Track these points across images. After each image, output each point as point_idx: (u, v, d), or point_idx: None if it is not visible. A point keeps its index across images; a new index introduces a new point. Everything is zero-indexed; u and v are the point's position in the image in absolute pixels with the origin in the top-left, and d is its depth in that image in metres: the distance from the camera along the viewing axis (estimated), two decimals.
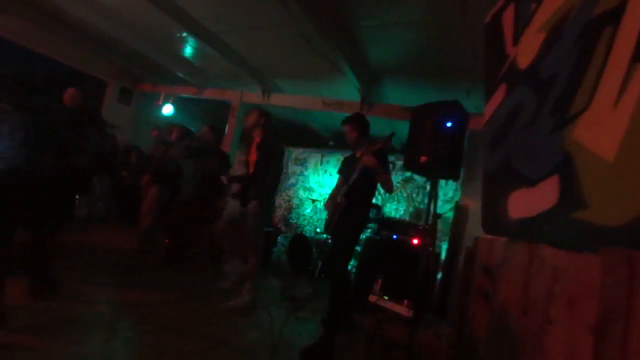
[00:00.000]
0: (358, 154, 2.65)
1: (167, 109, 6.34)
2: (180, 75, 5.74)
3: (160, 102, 6.39)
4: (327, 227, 2.70)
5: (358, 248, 4.44)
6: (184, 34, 4.33)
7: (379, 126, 5.02)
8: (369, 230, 4.46)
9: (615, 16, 1.03)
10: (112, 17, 4.33)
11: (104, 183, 5.91)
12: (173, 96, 6.45)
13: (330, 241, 3.79)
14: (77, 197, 5.89)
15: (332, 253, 2.62)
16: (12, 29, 5.11)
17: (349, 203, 2.51)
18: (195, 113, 7.20)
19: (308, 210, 6.47)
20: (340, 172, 2.85)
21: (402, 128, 2.97)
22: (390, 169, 2.74)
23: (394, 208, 5.97)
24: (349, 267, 4.68)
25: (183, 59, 5.27)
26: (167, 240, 4.37)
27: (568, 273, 1.02)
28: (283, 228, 6.44)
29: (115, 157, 6.02)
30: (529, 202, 1.34)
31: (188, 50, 4.93)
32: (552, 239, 1.17)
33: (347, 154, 2.94)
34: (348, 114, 2.83)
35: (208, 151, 3.98)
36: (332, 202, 2.70)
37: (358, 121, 2.68)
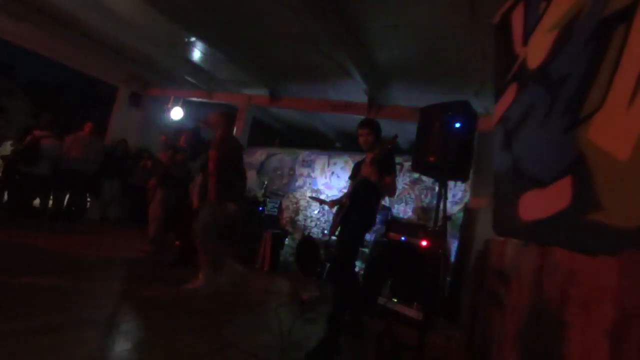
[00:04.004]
0: (369, 158, 2.65)
1: (177, 113, 6.41)
2: (189, 79, 5.81)
3: (169, 106, 6.48)
4: (333, 229, 2.71)
5: (365, 250, 4.42)
6: (193, 39, 4.39)
7: (385, 128, 4.99)
8: (377, 232, 4.44)
9: (627, 15, 1.01)
10: (122, 24, 4.41)
11: (115, 186, 6.00)
12: (182, 100, 6.52)
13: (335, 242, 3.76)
14: (89, 199, 6.01)
15: (336, 254, 2.59)
16: (26, 37, 5.25)
17: (353, 204, 2.52)
18: (203, 116, 7.28)
19: (315, 212, 6.47)
20: (351, 177, 2.85)
21: (410, 129, 2.96)
22: (397, 170, 2.72)
23: (402, 209, 5.93)
24: (356, 269, 4.67)
25: (192, 64, 5.34)
26: (177, 243, 4.42)
27: (583, 276, 1.00)
28: (290, 230, 6.45)
29: (126, 161, 6.12)
30: (541, 203, 1.31)
31: (197, 55, 4.99)
32: (565, 241, 1.15)
33: (354, 155, 2.93)
34: (355, 116, 2.83)
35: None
36: (339, 202, 2.72)
37: (375, 125, 2.74)
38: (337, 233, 2.67)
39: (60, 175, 5.22)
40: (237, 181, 3.26)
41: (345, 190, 2.90)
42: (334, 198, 3.03)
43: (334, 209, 2.85)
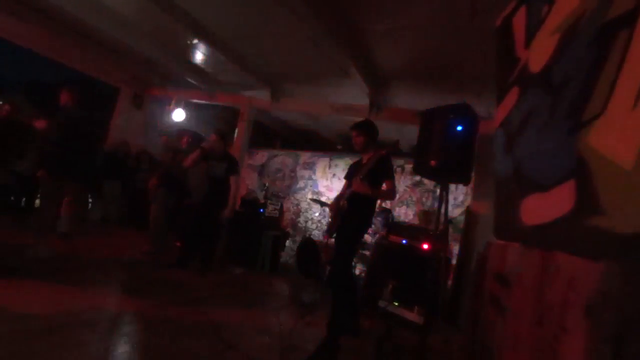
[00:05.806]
0: (364, 160, 2.73)
1: (178, 114, 6.42)
2: (191, 80, 5.82)
3: (171, 108, 6.48)
4: (330, 230, 2.78)
5: (366, 252, 4.41)
6: (195, 41, 4.39)
7: (386, 130, 4.99)
8: (378, 235, 4.43)
9: (630, 19, 1.01)
10: (124, 24, 4.43)
11: (116, 187, 6.01)
12: (184, 101, 6.54)
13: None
14: (90, 200, 6.01)
15: (334, 257, 2.66)
16: (28, 37, 5.26)
17: (352, 207, 2.60)
18: (205, 118, 7.29)
19: (316, 214, 6.46)
20: (346, 177, 2.93)
21: (411, 132, 2.97)
22: (395, 172, 2.79)
23: (403, 212, 5.92)
24: (357, 271, 4.65)
25: (194, 65, 5.35)
26: (178, 243, 4.42)
27: (584, 281, 1.00)
28: (291, 232, 6.44)
29: (127, 162, 6.13)
30: (542, 208, 1.31)
31: (198, 57, 5.00)
32: (566, 245, 1.15)
33: (355, 157, 2.99)
34: (356, 118, 2.86)
35: (215, 156, 4.02)
36: (336, 205, 2.78)
37: (365, 127, 2.76)
38: (334, 235, 2.73)
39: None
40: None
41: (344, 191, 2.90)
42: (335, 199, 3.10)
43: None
